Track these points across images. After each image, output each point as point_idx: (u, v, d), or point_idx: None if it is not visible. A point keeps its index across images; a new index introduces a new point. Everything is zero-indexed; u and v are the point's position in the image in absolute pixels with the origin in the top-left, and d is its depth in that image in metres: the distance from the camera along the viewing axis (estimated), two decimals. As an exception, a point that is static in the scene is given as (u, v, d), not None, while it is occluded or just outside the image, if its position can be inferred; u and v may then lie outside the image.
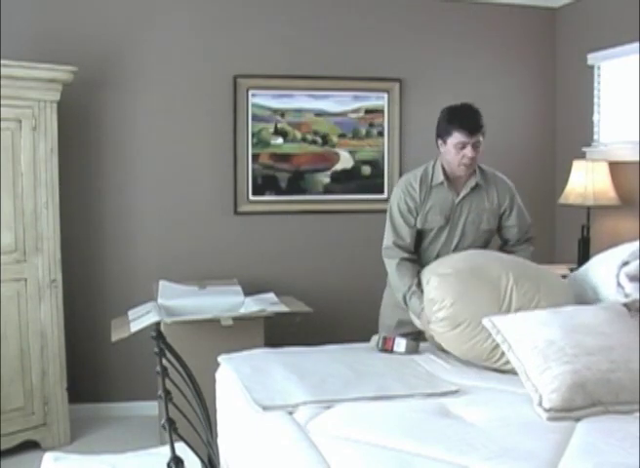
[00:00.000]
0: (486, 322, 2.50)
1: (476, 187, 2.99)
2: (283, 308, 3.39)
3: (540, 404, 2.13)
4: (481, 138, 2.89)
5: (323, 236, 4.00)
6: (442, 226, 3.00)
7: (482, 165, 3.08)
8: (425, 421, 2.05)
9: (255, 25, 4.12)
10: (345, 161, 4.31)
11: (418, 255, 3.04)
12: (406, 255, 2.97)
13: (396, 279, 2.95)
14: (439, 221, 2.99)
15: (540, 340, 2.33)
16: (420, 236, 3.03)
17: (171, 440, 1.48)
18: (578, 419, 2.09)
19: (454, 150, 2.91)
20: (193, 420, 1.95)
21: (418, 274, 2.92)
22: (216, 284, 3.79)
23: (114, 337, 3.30)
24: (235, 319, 3.19)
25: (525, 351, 2.33)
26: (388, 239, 3.02)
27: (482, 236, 3.04)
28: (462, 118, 2.89)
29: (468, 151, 2.88)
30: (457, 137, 2.89)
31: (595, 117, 4.17)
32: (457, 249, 2.99)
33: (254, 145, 4.17)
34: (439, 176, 2.99)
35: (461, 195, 2.99)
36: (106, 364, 4.02)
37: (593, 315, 2.48)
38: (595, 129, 4.17)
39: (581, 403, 2.11)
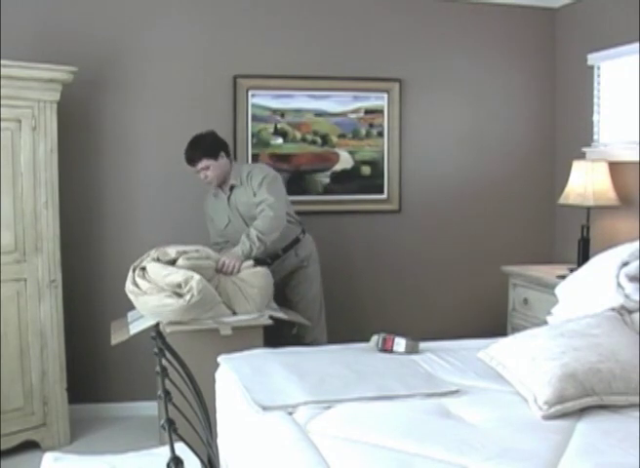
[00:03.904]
0: (482, 355, 2.57)
1: (233, 187, 3.66)
2: (281, 315, 3.39)
3: (535, 401, 2.14)
4: (206, 163, 3.58)
5: (322, 236, 4.00)
6: (228, 223, 3.71)
7: (249, 165, 3.86)
8: (425, 421, 2.05)
9: (255, 25, 4.12)
10: (345, 161, 4.31)
11: None
12: None
13: None
14: (224, 220, 3.72)
15: (528, 349, 2.38)
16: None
17: (170, 440, 1.48)
18: (577, 419, 2.09)
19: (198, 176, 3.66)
20: (193, 420, 1.95)
21: None
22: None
23: (114, 340, 3.29)
24: (234, 328, 3.18)
25: (516, 362, 2.37)
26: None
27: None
28: (185, 153, 3.62)
29: (200, 176, 3.64)
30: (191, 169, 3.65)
31: (595, 117, 4.17)
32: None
33: (254, 145, 4.17)
34: (210, 193, 3.80)
35: (227, 195, 3.69)
36: (106, 364, 4.02)
37: (581, 322, 2.50)
38: (595, 129, 4.17)
39: (574, 392, 2.12)
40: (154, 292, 3.16)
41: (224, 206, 3.70)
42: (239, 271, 3.36)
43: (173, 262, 3.25)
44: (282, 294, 3.72)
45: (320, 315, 3.80)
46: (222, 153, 3.63)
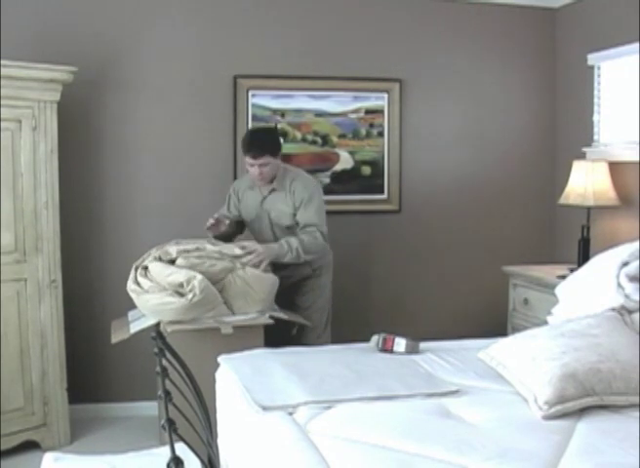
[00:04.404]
0: (482, 355, 2.58)
1: (273, 191, 3.57)
2: (281, 315, 3.39)
3: (535, 401, 2.14)
4: (267, 160, 3.44)
5: (323, 236, 4.01)
6: (254, 219, 3.66)
7: (292, 170, 3.64)
8: (425, 421, 2.05)
9: (255, 25, 4.12)
10: (345, 161, 4.31)
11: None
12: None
13: None
14: (252, 215, 3.66)
15: (528, 349, 2.39)
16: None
17: (171, 440, 1.48)
18: (577, 419, 2.09)
19: (248, 167, 3.52)
20: (193, 420, 1.95)
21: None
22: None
23: (114, 339, 3.30)
24: (235, 327, 3.18)
25: (516, 362, 2.37)
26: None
27: (285, 230, 3.60)
28: (246, 144, 3.50)
29: (254, 170, 3.48)
30: (246, 160, 3.49)
31: (595, 117, 4.17)
32: (275, 237, 3.60)
33: (254, 145, 4.16)
34: (249, 181, 3.65)
35: (263, 195, 3.60)
36: (106, 364, 4.03)
37: (581, 322, 2.50)
38: (595, 129, 4.17)
39: (574, 392, 2.12)
40: (156, 291, 3.17)
41: (256, 203, 3.63)
42: (258, 268, 3.34)
43: (174, 261, 3.26)
44: (291, 301, 3.67)
45: (327, 324, 3.74)
46: (280, 153, 3.56)
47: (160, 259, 3.26)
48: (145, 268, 3.28)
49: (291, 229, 3.59)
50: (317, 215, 3.52)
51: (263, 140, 3.50)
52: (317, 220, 3.51)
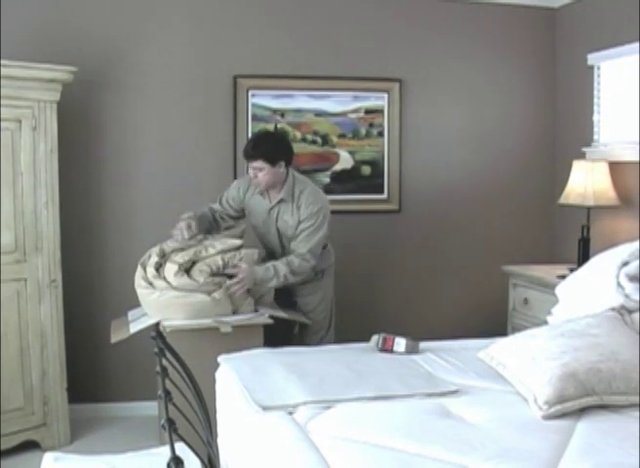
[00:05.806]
0: (482, 355, 2.58)
1: (281, 201, 3.47)
2: (282, 314, 3.39)
3: (535, 401, 2.14)
4: (261, 165, 3.37)
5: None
6: (261, 226, 3.59)
7: (301, 181, 3.51)
8: (425, 421, 2.05)
9: (255, 25, 4.12)
10: (345, 161, 4.31)
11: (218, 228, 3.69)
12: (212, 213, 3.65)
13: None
14: (258, 221, 3.58)
15: (528, 349, 2.39)
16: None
17: (171, 440, 1.48)
18: (577, 419, 2.09)
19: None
20: (193, 420, 1.95)
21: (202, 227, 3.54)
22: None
23: (114, 339, 3.30)
24: (234, 326, 3.19)
25: (516, 362, 2.37)
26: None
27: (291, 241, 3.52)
28: (245, 146, 3.48)
29: (251, 173, 3.43)
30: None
31: (595, 117, 4.17)
32: (282, 245, 3.56)
33: (254, 145, 4.17)
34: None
35: (271, 205, 3.50)
36: (106, 364, 4.03)
37: (581, 322, 2.50)
38: (595, 129, 4.17)
39: (574, 392, 2.12)
40: (164, 289, 3.23)
41: (264, 211, 3.53)
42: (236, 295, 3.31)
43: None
44: (295, 303, 3.65)
45: (330, 326, 3.71)
46: (282, 162, 3.40)
47: (174, 261, 3.32)
48: (158, 269, 3.33)
49: None
50: (315, 241, 3.43)
51: (257, 145, 3.40)
52: (315, 250, 3.44)
